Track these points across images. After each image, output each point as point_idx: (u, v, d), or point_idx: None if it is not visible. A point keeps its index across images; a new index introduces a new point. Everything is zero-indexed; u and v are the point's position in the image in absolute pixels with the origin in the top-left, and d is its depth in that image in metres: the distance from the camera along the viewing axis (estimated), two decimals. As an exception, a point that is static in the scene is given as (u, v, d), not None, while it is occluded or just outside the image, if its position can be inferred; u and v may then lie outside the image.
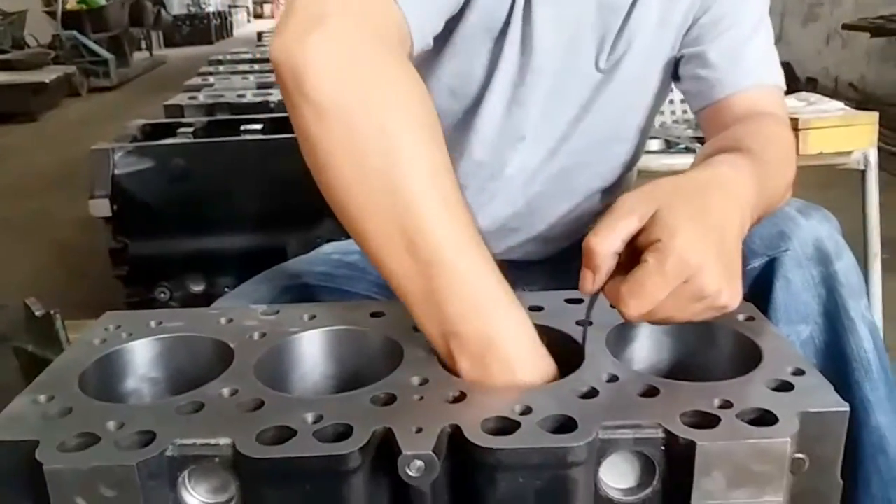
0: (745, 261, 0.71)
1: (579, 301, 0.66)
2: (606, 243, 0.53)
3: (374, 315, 0.64)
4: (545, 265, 0.92)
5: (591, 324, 0.58)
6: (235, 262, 1.51)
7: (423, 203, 0.54)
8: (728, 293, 0.52)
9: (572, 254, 0.83)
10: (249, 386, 0.54)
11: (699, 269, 0.51)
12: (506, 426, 0.48)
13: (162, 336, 0.61)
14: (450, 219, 0.54)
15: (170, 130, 1.74)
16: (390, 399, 0.51)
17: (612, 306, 0.54)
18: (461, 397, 0.51)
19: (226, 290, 1.40)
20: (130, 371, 0.60)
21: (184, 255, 1.58)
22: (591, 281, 0.54)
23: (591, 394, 0.51)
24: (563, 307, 0.65)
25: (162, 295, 1.59)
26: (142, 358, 0.61)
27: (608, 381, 0.53)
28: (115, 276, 1.60)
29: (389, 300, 0.83)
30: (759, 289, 0.72)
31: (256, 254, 1.44)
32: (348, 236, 0.87)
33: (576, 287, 0.55)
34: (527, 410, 0.49)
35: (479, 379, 0.53)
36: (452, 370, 0.55)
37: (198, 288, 1.60)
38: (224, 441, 0.47)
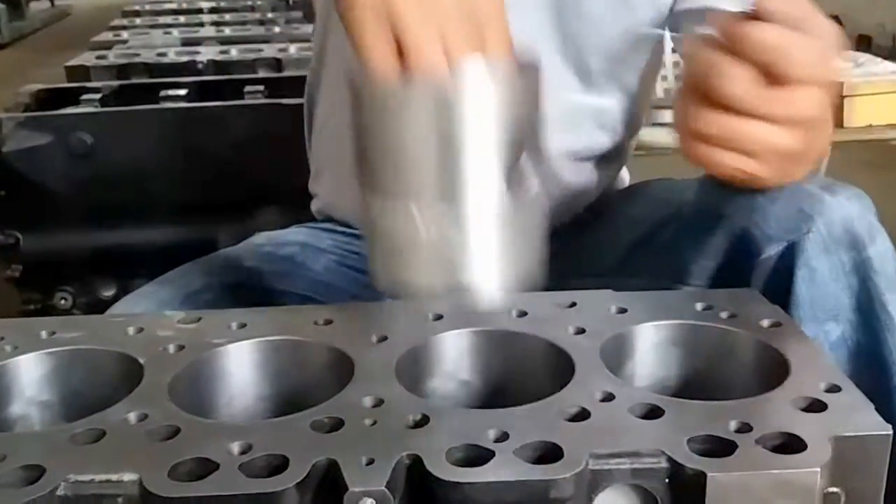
0: (759, 248, 0.72)
1: (571, 305, 0.66)
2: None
3: (318, 322, 0.65)
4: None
5: None
6: (154, 260, 1.48)
7: None
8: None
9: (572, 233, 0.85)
10: (162, 410, 0.53)
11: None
12: (477, 455, 0.48)
13: (55, 349, 0.61)
14: None
15: (72, 97, 1.72)
16: (336, 424, 0.52)
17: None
18: (423, 421, 0.52)
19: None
20: (15, 392, 0.60)
21: (90, 251, 1.56)
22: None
23: (581, 415, 0.52)
24: (551, 312, 0.65)
25: (63, 301, 1.58)
26: (29, 376, 0.60)
27: (602, 399, 0.53)
28: (5, 278, 1.59)
29: (336, 303, 0.87)
30: (778, 281, 0.73)
31: (180, 249, 1.42)
32: (287, 226, 0.88)
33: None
34: (503, 436, 0.50)
35: None
36: None
37: (108, 292, 1.59)
38: (129, 477, 0.46)
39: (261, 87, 1.70)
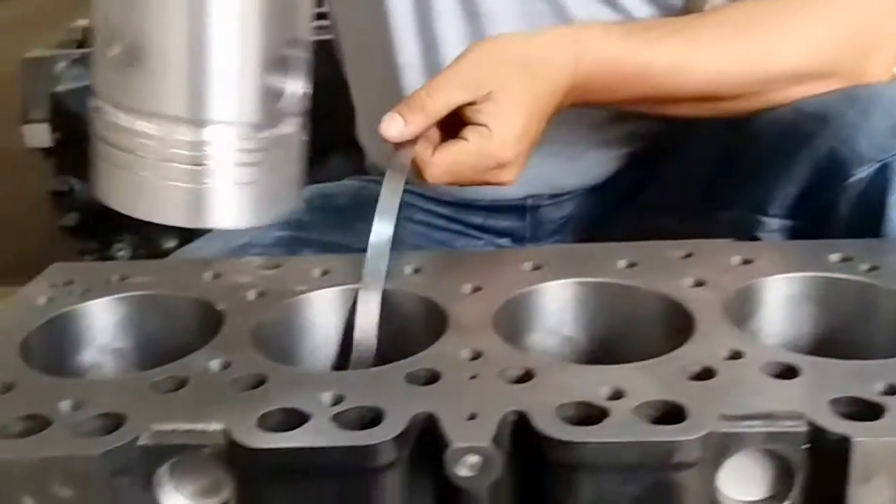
0: (847, 170, 0.71)
1: (687, 255, 0.66)
2: (438, 105, 0.68)
3: (406, 271, 0.66)
4: (576, 205, 0.98)
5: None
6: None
7: None
8: (511, 183, 0.73)
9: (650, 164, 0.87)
10: (245, 358, 0.55)
11: (510, 162, 0.70)
12: (589, 414, 0.48)
13: (128, 294, 0.63)
14: None
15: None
16: (433, 377, 0.52)
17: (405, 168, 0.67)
18: (527, 376, 0.52)
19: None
20: (87, 338, 0.62)
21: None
22: (400, 126, 0.68)
23: (706, 374, 0.51)
24: (665, 263, 0.65)
25: (121, 252, 1.62)
26: (102, 322, 0.62)
27: (728, 357, 0.53)
28: (60, 227, 1.63)
29: (424, 250, 0.88)
30: (868, 208, 0.71)
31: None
32: (355, 173, 0.93)
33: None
34: (617, 394, 0.49)
35: None
36: None
37: (169, 244, 1.62)
38: (215, 427, 0.47)
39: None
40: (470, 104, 0.69)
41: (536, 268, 0.66)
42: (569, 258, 0.68)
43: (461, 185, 0.72)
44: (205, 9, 0.48)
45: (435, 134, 0.70)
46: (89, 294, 0.63)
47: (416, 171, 0.69)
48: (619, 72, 0.74)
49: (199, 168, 0.50)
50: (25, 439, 0.48)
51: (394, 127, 0.68)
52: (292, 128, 0.53)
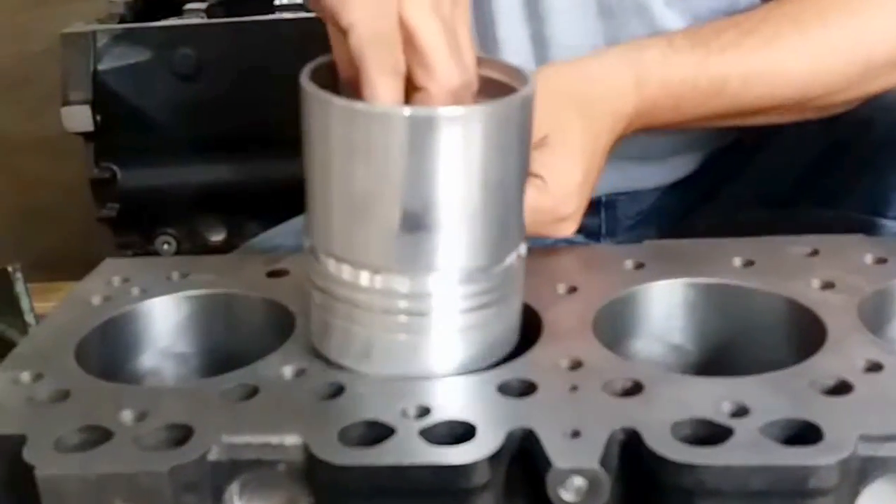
0: None
1: (813, 253, 0.65)
2: None
3: None
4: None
5: None
6: (273, 200, 1.53)
7: None
8: (573, 229, 0.70)
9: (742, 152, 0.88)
10: (321, 365, 0.55)
11: (570, 216, 0.68)
12: (710, 433, 0.47)
13: (190, 293, 0.64)
14: None
15: (174, 6, 1.77)
16: (528, 388, 0.52)
17: None
18: (635, 389, 0.51)
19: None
20: (146, 341, 0.63)
21: (196, 188, 1.62)
22: None
23: (842, 388, 0.50)
24: (788, 262, 0.64)
25: (165, 246, 1.64)
26: (163, 323, 0.63)
27: (867, 369, 0.52)
28: (99, 218, 1.66)
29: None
30: None
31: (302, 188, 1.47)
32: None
33: None
34: (741, 411, 0.48)
35: None
36: None
37: (216, 237, 1.64)
38: (292, 440, 0.47)
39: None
40: None
41: (639, 266, 0.65)
42: (675, 255, 0.67)
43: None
44: (484, 175, 0.52)
45: None
46: (148, 293, 0.64)
47: None
48: (690, 91, 0.73)
49: (423, 318, 0.53)
50: (85, 453, 0.48)
51: None
52: (514, 257, 0.56)
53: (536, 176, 0.66)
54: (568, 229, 0.69)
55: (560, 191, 0.67)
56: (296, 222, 0.87)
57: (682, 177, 0.97)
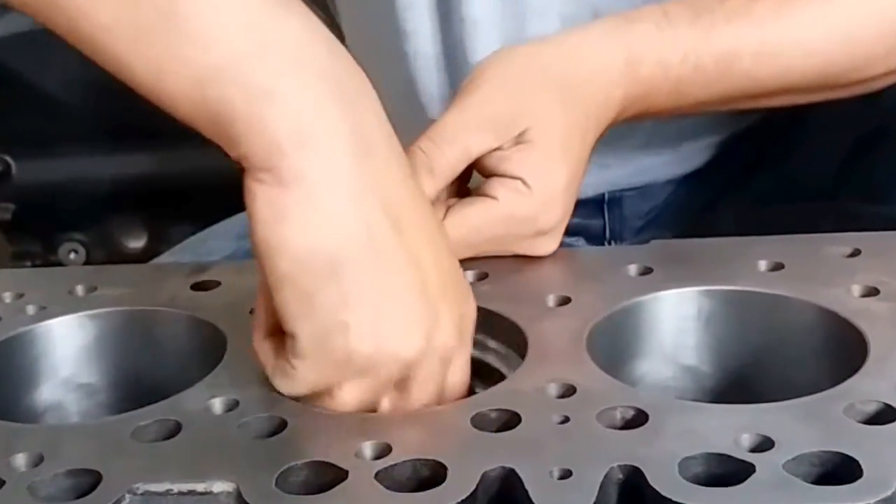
0: None
1: (854, 253, 0.66)
2: (451, 160, 0.67)
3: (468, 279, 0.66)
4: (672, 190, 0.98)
5: None
6: (203, 198, 1.53)
7: None
8: (555, 245, 0.72)
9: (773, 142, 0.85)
10: (257, 395, 0.55)
11: (553, 228, 0.70)
12: (727, 470, 0.48)
13: (98, 311, 0.64)
14: None
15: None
16: (510, 420, 0.52)
17: None
18: (638, 419, 0.52)
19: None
20: (47, 369, 0.63)
21: (110, 183, 1.61)
22: None
23: (884, 416, 0.51)
24: (822, 264, 0.65)
25: (72, 255, 1.63)
26: (65, 348, 0.64)
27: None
28: (-10, 222, 1.65)
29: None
30: None
31: (236, 181, 1.46)
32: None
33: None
34: (764, 443, 0.49)
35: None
36: None
37: (136, 244, 1.63)
38: (221, 487, 0.48)
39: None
40: (495, 154, 0.68)
41: (644, 271, 0.67)
42: (687, 258, 0.68)
43: (480, 256, 0.71)
44: None
45: (444, 191, 0.69)
46: (47, 311, 0.64)
47: None
48: (692, 72, 0.73)
49: None
50: (-31, 505, 0.48)
51: None
52: None
53: (515, 178, 0.67)
54: (549, 246, 0.70)
55: (542, 196, 0.68)
56: (232, 223, 0.88)
57: (699, 166, 0.98)
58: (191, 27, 0.52)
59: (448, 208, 0.68)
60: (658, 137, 0.93)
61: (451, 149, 0.67)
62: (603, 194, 0.97)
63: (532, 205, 0.67)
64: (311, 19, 0.55)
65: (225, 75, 0.51)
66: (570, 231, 0.97)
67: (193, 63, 0.52)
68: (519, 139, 0.67)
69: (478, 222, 0.68)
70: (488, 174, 0.68)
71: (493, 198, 0.67)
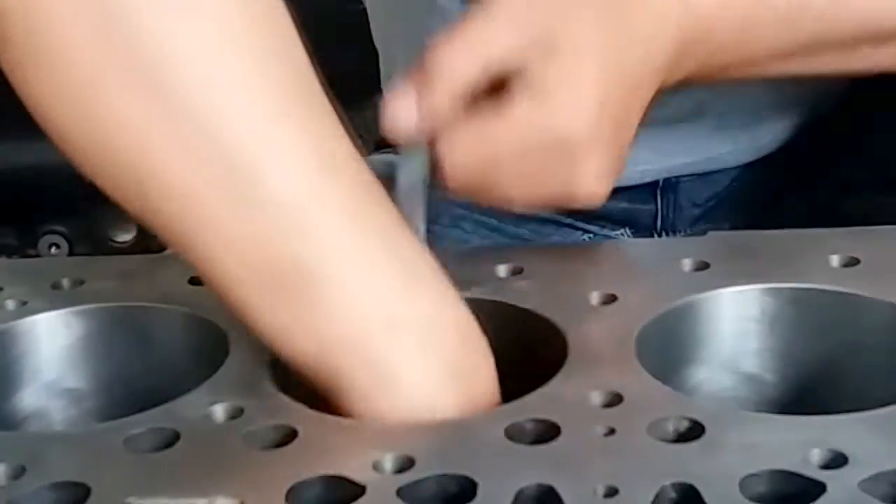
0: None
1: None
2: (470, 60, 0.65)
3: (499, 274, 0.68)
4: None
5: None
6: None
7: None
8: (600, 194, 0.69)
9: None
10: (264, 401, 0.55)
11: (587, 148, 0.65)
12: (795, 489, 0.47)
13: (86, 307, 0.64)
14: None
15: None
16: (547, 431, 0.52)
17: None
18: (693, 430, 0.52)
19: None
20: (28, 372, 0.63)
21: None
22: (409, 109, 0.65)
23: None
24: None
25: (53, 249, 1.64)
26: (49, 348, 0.63)
27: None
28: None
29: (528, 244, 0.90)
30: None
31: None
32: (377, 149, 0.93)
33: None
34: (837, 460, 0.49)
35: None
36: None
37: (124, 236, 1.64)
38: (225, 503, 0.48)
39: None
40: (517, 59, 0.65)
41: (700, 267, 0.66)
42: (750, 252, 0.68)
43: (502, 195, 0.69)
44: None
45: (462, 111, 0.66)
46: (28, 306, 0.64)
47: (436, 173, 0.67)
48: (761, 12, 0.71)
49: None
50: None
51: (401, 112, 0.66)
52: None
53: (534, 82, 0.65)
54: (589, 183, 0.68)
55: (567, 102, 0.65)
56: None
57: (771, 151, 0.97)
58: (322, 294, 0.55)
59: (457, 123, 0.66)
60: (732, 118, 0.92)
61: (470, 51, 0.65)
62: (657, 180, 0.97)
63: (554, 111, 0.65)
64: (442, 289, 0.58)
65: (349, 347, 0.55)
66: (616, 220, 0.97)
67: (319, 331, 0.56)
68: (544, 46, 0.65)
69: (495, 132, 0.65)
70: (506, 85, 0.65)
71: (508, 103, 0.65)
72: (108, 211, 1.64)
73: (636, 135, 0.70)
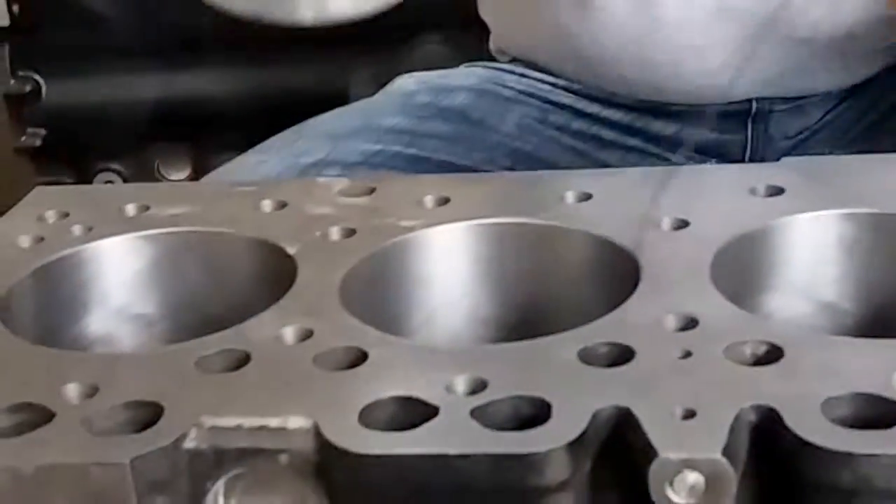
0: None
1: None
2: None
3: (564, 198, 0.67)
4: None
5: None
6: (248, 120, 1.54)
7: None
8: None
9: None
10: (332, 323, 0.55)
11: None
12: (878, 412, 0.47)
13: (153, 232, 0.64)
14: None
15: None
16: (622, 354, 0.52)
17: None
18: (772, 354, 0.52)
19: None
20: (96, 297, 0.64)
21: (151, 106, 1.63)
22: None
23: None
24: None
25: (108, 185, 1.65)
26: (117, 274, 0.64)
27: None
28: (17, 148, 1.67)
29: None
30: None
31: (288, 102, 1.47)
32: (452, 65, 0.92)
33: None
34: (920, 381, 0.48)
35: None
36: None
37: (178, 174, 1.65)
38: (298, 423, 0.48)
39: None
40: None
41: (775, 192, 0.66)
42: (828, 177, 0.67)
43: None
44: None
45: None
46: (95, 232, 0.65)
47: None
48: None
49: None
50: (17, 439, 0.49)
51: None
52: None
53: None
54: None
55: None
56: (276, 147, 0.89)
57: (869, 78, 0.96)
58: None
59: None
60: (823, 35, 0.91)
61: None
62: (750, 104, 0.96)
63: None
64: None
65: None
66: (704, 151, 0.97)
67: None
68: None
69: None
70: None
71: None
72: (163, 149, 1.66)
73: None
